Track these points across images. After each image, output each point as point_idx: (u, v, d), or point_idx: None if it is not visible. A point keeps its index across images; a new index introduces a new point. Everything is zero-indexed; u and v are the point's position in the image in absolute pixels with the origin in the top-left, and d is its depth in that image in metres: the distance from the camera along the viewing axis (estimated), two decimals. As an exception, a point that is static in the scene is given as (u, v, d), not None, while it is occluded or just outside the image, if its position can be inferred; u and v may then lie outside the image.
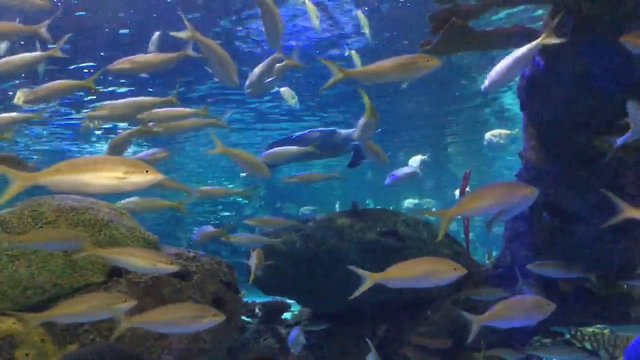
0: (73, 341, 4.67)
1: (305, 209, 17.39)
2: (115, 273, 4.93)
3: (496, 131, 11.09)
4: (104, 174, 2.87)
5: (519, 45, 3.85)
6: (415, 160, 11.26)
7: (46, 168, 2.97)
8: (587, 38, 4.12)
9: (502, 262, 6.38)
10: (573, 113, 4.59)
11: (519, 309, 4.01)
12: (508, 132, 11.38)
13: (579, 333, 6.74)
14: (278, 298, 8.41)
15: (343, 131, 8.43)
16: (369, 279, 3.91)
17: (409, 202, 14.42)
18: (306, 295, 7.62)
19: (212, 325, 3.96)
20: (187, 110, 5.56)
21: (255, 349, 7.91)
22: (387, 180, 8.24)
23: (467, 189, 6.81)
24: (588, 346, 6.88)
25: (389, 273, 3.89)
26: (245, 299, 8.33)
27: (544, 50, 4.39)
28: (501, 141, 10.01)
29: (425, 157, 9.57)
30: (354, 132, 7.13)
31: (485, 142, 10.83)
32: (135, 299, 4.73)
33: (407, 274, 3.83)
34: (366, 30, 8.45)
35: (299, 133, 8.61)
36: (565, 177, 5.05)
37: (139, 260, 3.96)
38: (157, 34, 8.42)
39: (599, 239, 5.16)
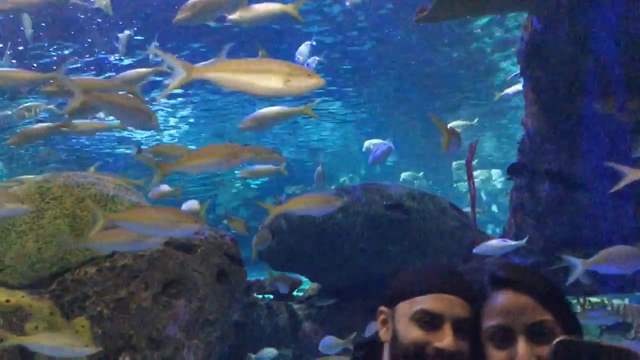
0: (80, 313, 4.79)
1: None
2: (121, 246, 5.02)
3: (458, 122, 11.03)
4: (269, 76, 2.73)
5: (511, 8, 3.82)
6: (371, 143, 11.46)
7: (214, 64, 2.87)
8: (583, -2, 4.07)
9: (508, 232, 6.36)
10: (572, 76, 4.55)
11: (620, 256, 4.12)
12: (469, 122, 11.27)
13: (587, 301, 6.71)
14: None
15: None
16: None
17: (405, 175, 14.44)
18: (314, 270, 7.70)
19: (190, 231, 3.94)
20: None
21: (267, 325, 8.03)
22: (370, 160, 8.41)
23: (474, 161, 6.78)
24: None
25: None
26: (260, 277, 8.46)
27: (541, 12, 4.34)
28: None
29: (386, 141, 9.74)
30: None
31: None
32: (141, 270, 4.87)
33: None
34: None
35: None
36: (565, 143, 5.01)
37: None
38: (126, 32, 8.25)
39: (600, 205, 5.12)
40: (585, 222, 5.39)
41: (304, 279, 8.37)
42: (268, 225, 6.77)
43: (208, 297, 5.14)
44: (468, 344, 1.48)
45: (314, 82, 2.75)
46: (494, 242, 5.24)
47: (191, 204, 6.50)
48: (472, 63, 11.41)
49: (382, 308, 1.66)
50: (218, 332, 5.26)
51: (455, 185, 16.18)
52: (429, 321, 1.50)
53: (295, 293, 8.55)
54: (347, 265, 7.38)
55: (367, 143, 11.86)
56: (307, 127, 16.68)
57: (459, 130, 8.87)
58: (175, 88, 2.86)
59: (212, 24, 5.13)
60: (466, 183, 8.76)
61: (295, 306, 8.25)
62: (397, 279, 1.67)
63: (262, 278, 8.55)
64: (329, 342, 5.79)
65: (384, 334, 1.62)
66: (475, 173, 16.09)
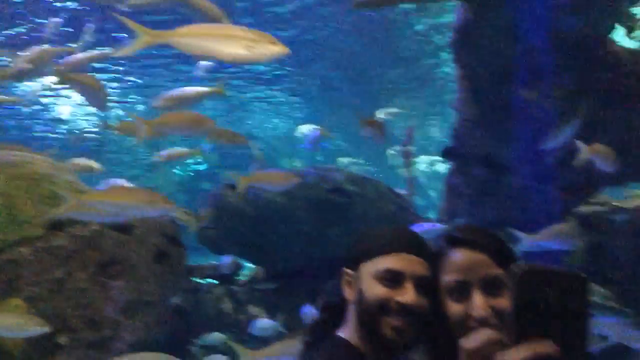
0: (15, 294, 4.71)
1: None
2: (56, 227, 4.96)
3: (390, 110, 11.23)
4: (233, 42, 2.70)
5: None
6: (304, 128, 11.63)
7: (176, 29, 2.79)
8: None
9: (443, 215, 6.61)
10: (500, 64, 4.77)
11: (562, 233, 4.51)
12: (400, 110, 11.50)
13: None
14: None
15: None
16: None
17: (344, 160, 14.67)
18: (256, 253, 7.76)
19: (163, 212, 3.95)
20: None
21: (210, 309, 8.04)
22: (306, 145, 8.56)
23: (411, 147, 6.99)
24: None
25: None
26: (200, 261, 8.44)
27: (471, 1, 4.53)
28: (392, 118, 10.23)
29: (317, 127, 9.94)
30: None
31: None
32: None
33: None
34: None
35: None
36: (495, 128, 5.25)
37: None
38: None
39: (527, 188, 5.40)
40: (513, 204, 5.67)
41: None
42: (212, 203, 6.79)
43: (147, 278, 5.14)
44: (428, 299, 1.58)
45: (277, 49, 2.77)
46: (424, 226, 5.44)
47: (116, 182, 6.40)
48: (412, 50, 11.62)
49: (346, 270, 1.73)
50: (157, 313, 5.27)
51: (399, 171, 16.45)
52: (392, 279, 1.59)
53: (238, 277, 8.59)
54: (289, 248, 7.48)
55: (299, 129, 11.94)
56: (246, 112, 16.64)
57: (390, 118, 9.12)
58: (134, 50, 2.84)
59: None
60: (409, 169, 8.99)
61: (238, 290, 8.29)
62: (359, 243, 1.75)
63: (205, 263, 8.56)
64: (261, 325, 5.83)
65: (349, 294, 1.69)
66: (420, 158, 16.46)
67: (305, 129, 10.85)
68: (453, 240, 1.61)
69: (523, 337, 0.82)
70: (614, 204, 6.06)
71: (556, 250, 4.96)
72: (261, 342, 5.96)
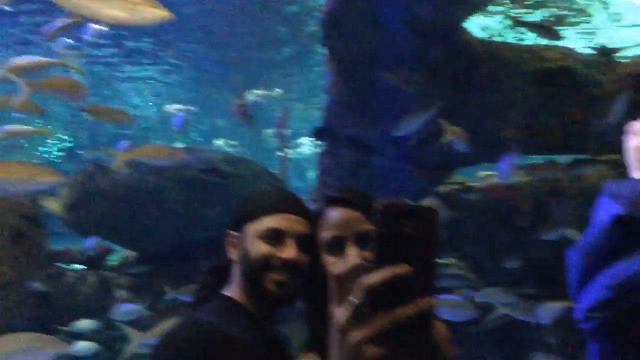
0: None
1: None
2: None
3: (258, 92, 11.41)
4: (114, 3, 2.65)
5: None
6: (172, 107, 11.59)
7: None
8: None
9: (315, 195, 6.81)
10: (366, 49, 5.00)
11: None
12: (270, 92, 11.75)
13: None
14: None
15: None
16: None
17: (219, 141, 14.70)
18: (126, 236, 7.52)
19: (50, 184, 3.84)
20: None
21: (78, 294, 7.69)
22: (177, 123, 8.58)
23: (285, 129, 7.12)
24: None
25: None
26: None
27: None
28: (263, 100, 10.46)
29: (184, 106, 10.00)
30: None
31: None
32: None
33: None
34: None
35: None
36: (362, 111, 5.50)
37: None
38: None
39: (391, 168, 5.73)
40: (379, 184, 5.98)
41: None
42: (78, 184, 6.48)
43: (2, 260, 4.85)
44: (308, 256, 1.71)
45: (159, 13, 2.77)
46: None
47: None
48: (286, 33, 11.72)
49: (231, 232, 1.82)
50: (16, 295, 4.99)
51: (278, 153, 16.59)
52: (274, 237, 1.71)
53: (107, 261, 8.29)
54: (162, 230, 7.33)
55: (167, 108, 11.70)
56: (117, 91, 16.00)
57: (261, 100, 9.24)
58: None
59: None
60: (284, 150, 9.13)
61: (108, 275, 8.00)
62: (243, 205, 1.84)
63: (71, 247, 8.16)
64: (125, 309, 5.73)
65: (234, 255, 1.79)
66: (302, 140, 16.70)
67: (173, 108, 10.64)
68: (330, 200, 1.76)
69: (384, 263, 0.92)
70: (467, 184, 6.60)
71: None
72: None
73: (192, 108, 8.53)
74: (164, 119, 17.67)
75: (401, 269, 0.90)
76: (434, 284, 0.93)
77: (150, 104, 17.33)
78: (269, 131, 12.54)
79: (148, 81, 15.00)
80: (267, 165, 8.19)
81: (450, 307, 5.10)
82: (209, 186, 7.09)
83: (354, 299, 0.92)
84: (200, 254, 7.66)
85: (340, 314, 0.94)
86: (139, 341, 4.87)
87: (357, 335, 0.91)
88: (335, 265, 1.17)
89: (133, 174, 6.89)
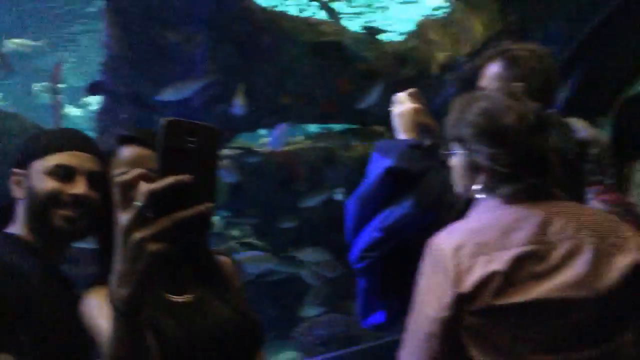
0: None
1: None
2: None
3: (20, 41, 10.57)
4: None
5: None
6: None
7: None
8: None
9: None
10: (147, 3, 4.87)
11: None
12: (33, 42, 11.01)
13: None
14: None
15: None
16: None
17: None
18: None
19: None
20: None
21: None
22: None
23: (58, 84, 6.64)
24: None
25: None
26: None
27: None
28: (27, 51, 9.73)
29: None
30: None
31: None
32: None
33: None
34: None
35: None
36: (144, 67, 5.36)
37: None
38: None
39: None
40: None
41: None
42: None
43: None
44: (99, 194, 1.71)
45: None
46: None
47: None
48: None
49: (16, 170, 1.75)
50: None
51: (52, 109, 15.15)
52: (63, 174, 1.68)
53: None
54: None
55: None
56: None
57: (22, 49, 8.50)
58: None
59: None
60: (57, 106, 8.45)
61: None
62: (29, 142, 1.77)
63: None
64: None
65: (19, 193, 1.73)
66: (90, 99, 15.59)
67: None
68: (122, 139, 1.74)
69: (167, 174, 0.99)
70: (250, 148, 6.84)
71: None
72: None
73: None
74: None
75: (183, 177, 0.99)
76: (213, 193, 1.04)
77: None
78: (40, 85, 11.54)
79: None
80: (39, 121, 7.55)
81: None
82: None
83: (138, 203, 0.99)
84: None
85: (124, 217, 1.01)
86: None
87: (139, 234, 0.99)
88: (120, 176, 1.20)
89: None
